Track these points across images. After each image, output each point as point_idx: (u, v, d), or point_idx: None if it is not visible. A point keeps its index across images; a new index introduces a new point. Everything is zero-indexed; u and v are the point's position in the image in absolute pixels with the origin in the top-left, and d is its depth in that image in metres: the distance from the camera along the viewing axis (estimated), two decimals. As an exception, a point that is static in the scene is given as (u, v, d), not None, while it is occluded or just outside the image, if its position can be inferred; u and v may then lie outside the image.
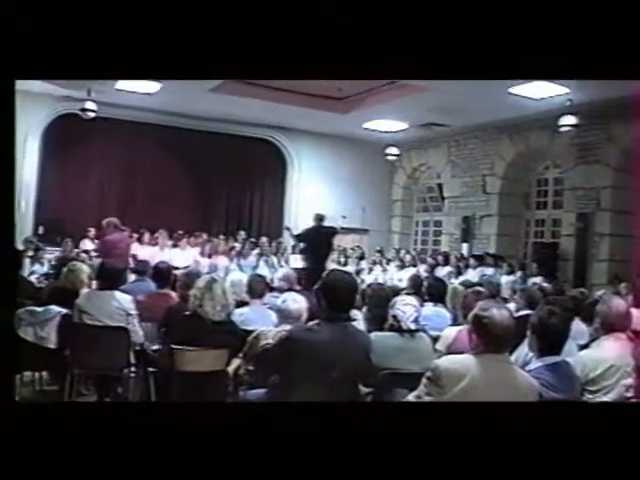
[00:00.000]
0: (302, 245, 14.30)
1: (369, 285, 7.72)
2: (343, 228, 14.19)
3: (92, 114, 15.36)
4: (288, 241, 16.74)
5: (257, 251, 16.31)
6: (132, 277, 8.87)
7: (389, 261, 17.02)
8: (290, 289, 7.20)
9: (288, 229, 15.34)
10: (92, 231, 15.44)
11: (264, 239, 16.95)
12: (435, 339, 5.88)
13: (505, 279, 13.31)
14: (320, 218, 13.40)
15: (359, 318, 6.18)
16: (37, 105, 16.01)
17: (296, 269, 10.87)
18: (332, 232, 13.43)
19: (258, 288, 7.08)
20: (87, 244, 15.10)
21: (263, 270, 13.96)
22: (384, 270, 16.24)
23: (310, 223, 13.79)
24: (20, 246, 12.43)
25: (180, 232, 16.38)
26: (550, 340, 4.50)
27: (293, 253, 16.32)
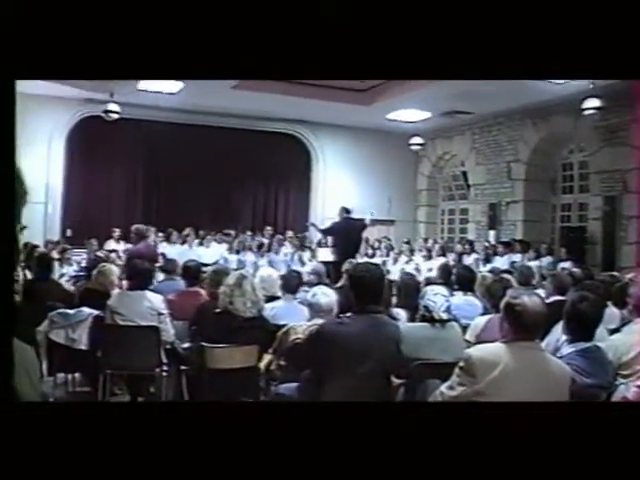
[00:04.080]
0: (331, 239, 14.27)
1: (400, 276, 7.70)
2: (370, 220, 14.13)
3: (115, 115, 15.41)
4: (315, 235, 16.72)
5: (289, 246, 16.34)
6: (161, 276, 8.91)
7: (412, 251, 16.78)
8: (320, 283, 7.21)
9: (313, 225, 15.28)
10: (117, 232, 15.59)
11: (290, 234, 17.03)
12: (465, 328, 5.87)
13: (532, 265, 13.21)
14: (347, 211, 13.36)
15: (402, 318, 6.14)
16: (60, 108, 16.21)
17: (324, 262, 10.84)
18: (362, 225, 13.39)
19: (294, 283, 7.12)
20: (112, 244, 15.16)
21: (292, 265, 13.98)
22: (409, 261, 16.07)
23: (336, 217, 13.77)
24: (45, 249, 12.53)
25: (204, 231, 16.49)
26: (581, 325, 4.50)
27: (319, 247, 16.31)
